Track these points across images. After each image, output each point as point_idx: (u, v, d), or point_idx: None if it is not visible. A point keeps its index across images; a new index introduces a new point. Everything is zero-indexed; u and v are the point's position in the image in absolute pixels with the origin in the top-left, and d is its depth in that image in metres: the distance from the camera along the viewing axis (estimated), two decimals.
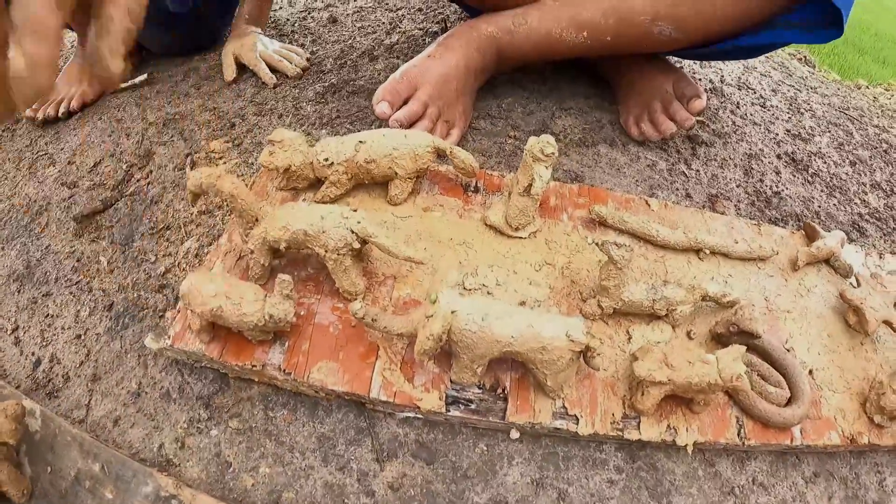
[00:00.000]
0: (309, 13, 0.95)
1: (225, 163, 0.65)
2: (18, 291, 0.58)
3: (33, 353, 0.52)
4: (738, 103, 0.85)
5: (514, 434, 0.42)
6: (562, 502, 0.41)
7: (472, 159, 0.52)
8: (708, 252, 0.54)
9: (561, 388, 0.41)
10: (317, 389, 0.42)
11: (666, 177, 0.67)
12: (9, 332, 0.54)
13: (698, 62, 0.92)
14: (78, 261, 0.59)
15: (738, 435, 0.44)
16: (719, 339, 0.47)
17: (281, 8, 0.97)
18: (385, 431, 0.43)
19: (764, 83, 0.95)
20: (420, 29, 0.88)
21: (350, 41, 0.86)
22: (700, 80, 0.89)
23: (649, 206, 0.57)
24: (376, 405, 0.42)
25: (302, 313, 0.45)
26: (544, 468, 0.42)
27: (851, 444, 0.47)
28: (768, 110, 0.87)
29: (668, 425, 0.42)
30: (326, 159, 0.50)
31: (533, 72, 0.78)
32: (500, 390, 0.42)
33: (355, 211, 0.43)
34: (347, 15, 0.94)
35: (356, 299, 0.45)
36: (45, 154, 0.74)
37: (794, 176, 0.75)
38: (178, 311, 0.45)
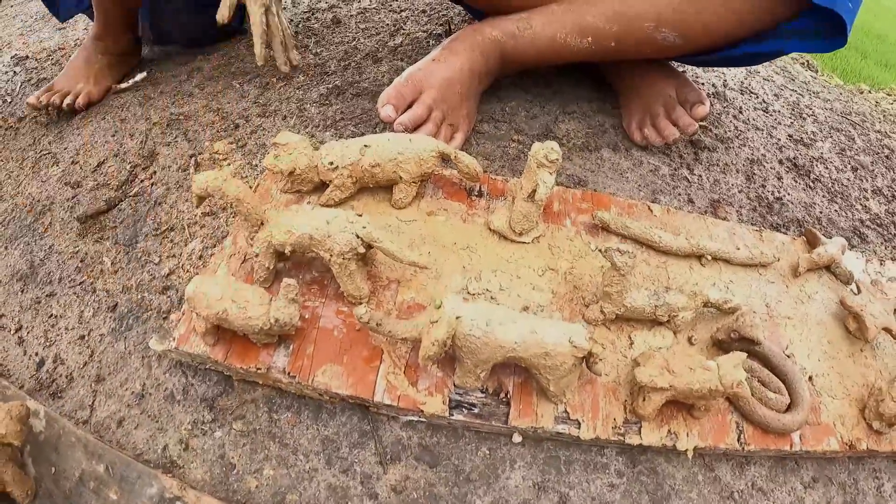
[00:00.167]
0: (313, 14, 0.96)
1: (229, 164, 0.65)
2: (22, 291, 0.58)
3: (37, 354, 0.53)
4: (740, 108, 0.86)
5: (517, 438, 0.42)
6: None
7: (476, 164, 0.52)
8: (710, 258, 0.54)
9: (563, 393, 0.41)
10: (321, 393, 0.42)
11: (668, 182, 0.67)
12: (13, 332, 0.54)
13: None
14: (81, 261, 0.59)
15: (738, 440, 0.44)
16: (720, 346, 0.48)
17: (285, 8, 0.97)
18: (388, 434, 0.43)
19: (766, 87, 0.95)
20: (424, 31, 0.88)
21: (354, 43, 0.86)
22: (703, 84, 0.90)
23: (652, 211, 0.58)
24: (380, 408, 0.43)
25: (307, 316, 0.45)
26: (546, 472, 0.43)
27: (850, 451, 0.47)
28: (771, 115, 0.87)
29: (669, 430, 0.43)
30: (331, 163, 0.51)
31: (537, 75, 0.78)
32: (503, 394, 0.42)
33: (360, 216, 0.43)
34: (351, 16, 0.94)
35: (361, 303, 0.46)
36: (49, 153, 0.74)
37: (796, 181, 0.75)
38: (183, 314, 0.45)
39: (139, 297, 0.54)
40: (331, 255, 0.42)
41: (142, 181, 0.66)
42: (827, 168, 0.79)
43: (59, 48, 0.99)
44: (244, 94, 0.76)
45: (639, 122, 0.69)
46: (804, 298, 0.55)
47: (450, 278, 0.48)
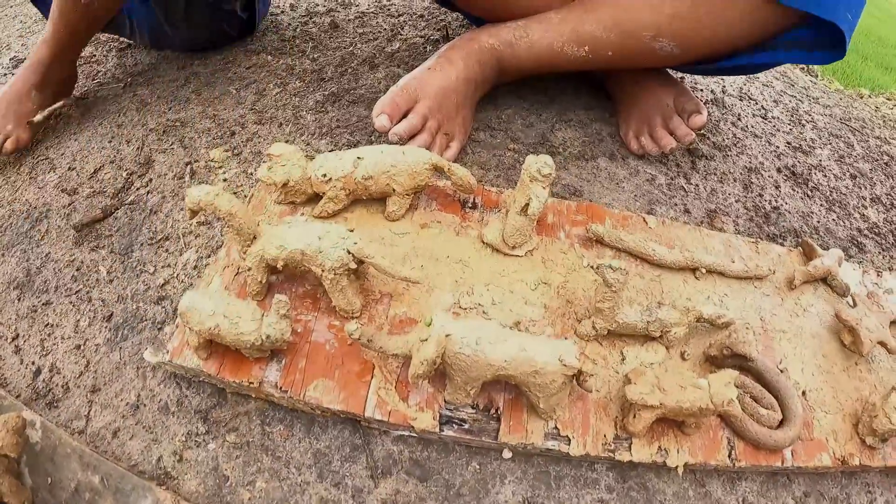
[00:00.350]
0: (311, 18, 0.95)
1: (224, 172, 0.65)
2: (19, 299, 0.58)
3: (33, 363, 0.53)
4: (739, 115, 0.85)
5: (507, 453, 0.43)
6: None
7: (471, 176, 0.52)
8: (704, 271, 0.54)
9: (553, 410, 0.41)
10: (313, 407, 0.43)
11: (665, 191, 0.67)
12: (9, 341, 0.55)
13: None
14: (77, 270, 0.59)
15: (729, 456, 0.44)
16: (713, 361, 0.48)
17: (283, 12, 0.97)
18: (380, 448, 0.44)
19: (766, 93, 0.94)
20: (421, 36, 0.88)
21: (351, 48, 0.86)
22: (701, 90, 0.89)
23: (647, 223, 0.58)
24: (371, 423, 0.43)
25: (299, 330, 0.45)
26: (536, 487, 0.43)
27: (842, 466, 0.47)
28: (769, 122, 0.86)
29: (660, 447, 0.43)
30: (324, 175, 0.51)
31: (533, 82, 0.78)
32: (493, 410, 0.42)
33: (352, 231, 0.43)
34: (349, 20, 0.93)
35: (353, 317, 0.46)
36: (46, 159, 0.74)
37: (794, 190, 0.75)
38: (177, 326, 0.45)
39: (134, 307, 0.54)
40: (322, 271, 0.42)
41: (137, 189, 0.66)
42: (825, 176, 0.79)
43: None
44: (241, 100, 0.76)
45: (635, 131, 0.69)
46: (799, 311, 0.55)
47: (442, 292, 0.48)
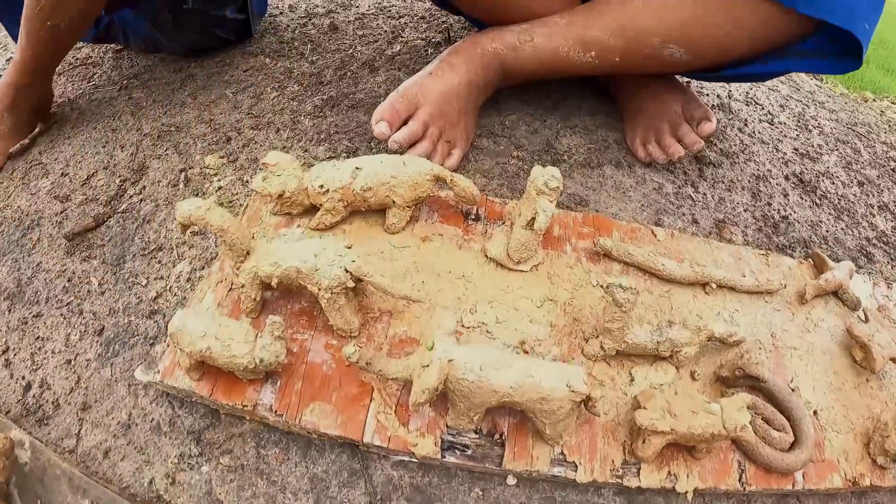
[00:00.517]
0: (310, 19, 0.93)
1: (220, 180, 0.64)
2: (9, 311, 0.56)
3: (24, 377, 0.51)
4: (745, 120, 0.83)
5: (511, 480, 0.41)
6: None
7: (473, 187, 0.51)
8: (714, 286, 0.52)
9: (560, 436, 0.40)
10: (309, 431, 0.41)
11: (672, 200, 0.65)
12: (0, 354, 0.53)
13: None
14: (69, 280, 0.57)
15: (740, 480, 0.43)
16: (725, 382, 0.46)
17: (281, 13, 0.95)
18: (379, 473, 0.42)
19: (772, 98, 0.93)
20: (423, 39, 0.86)
21: (350, 51, 0.84)
22: (707, 95, 0.87)
23: (655, 235, 0.56)
24: (370, 448, 0.41)
25: (294, 350, 0.44)
26: None
27: (853, 487, 0.46)
28: (776, 127, 0.85)
29: (669, 472, 0.41)
30: (322, 186, 0.49)
31: (537, 86, 0.76)
32: (497, 436, 0.41)
33: (349, 248, 0.41)
34: (349, 22, 0.91)
35: (351, 336, 0.44)
36: (39, 163, 0.72)
37: (802, 198, 0.73)
38: (168, 345, 0.44)
39: (126, 321, 0.53)
40: (319, 290, 0.41)
41: (131, 197, 0.64)
42: (833, 183, 0.77)
43: None
44: (237, 104, 0.74)
45: (643, 139, 0.67)
46: (810, 327, 0.54)
47: (444, 310, 0.46)
